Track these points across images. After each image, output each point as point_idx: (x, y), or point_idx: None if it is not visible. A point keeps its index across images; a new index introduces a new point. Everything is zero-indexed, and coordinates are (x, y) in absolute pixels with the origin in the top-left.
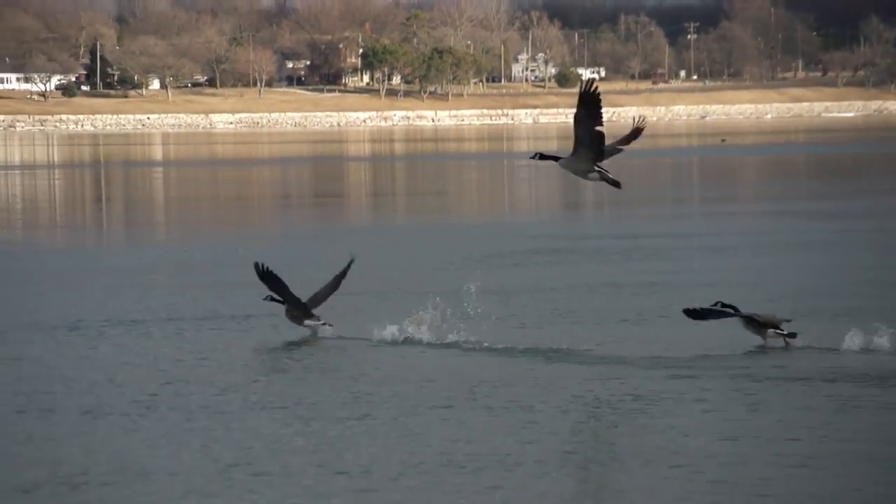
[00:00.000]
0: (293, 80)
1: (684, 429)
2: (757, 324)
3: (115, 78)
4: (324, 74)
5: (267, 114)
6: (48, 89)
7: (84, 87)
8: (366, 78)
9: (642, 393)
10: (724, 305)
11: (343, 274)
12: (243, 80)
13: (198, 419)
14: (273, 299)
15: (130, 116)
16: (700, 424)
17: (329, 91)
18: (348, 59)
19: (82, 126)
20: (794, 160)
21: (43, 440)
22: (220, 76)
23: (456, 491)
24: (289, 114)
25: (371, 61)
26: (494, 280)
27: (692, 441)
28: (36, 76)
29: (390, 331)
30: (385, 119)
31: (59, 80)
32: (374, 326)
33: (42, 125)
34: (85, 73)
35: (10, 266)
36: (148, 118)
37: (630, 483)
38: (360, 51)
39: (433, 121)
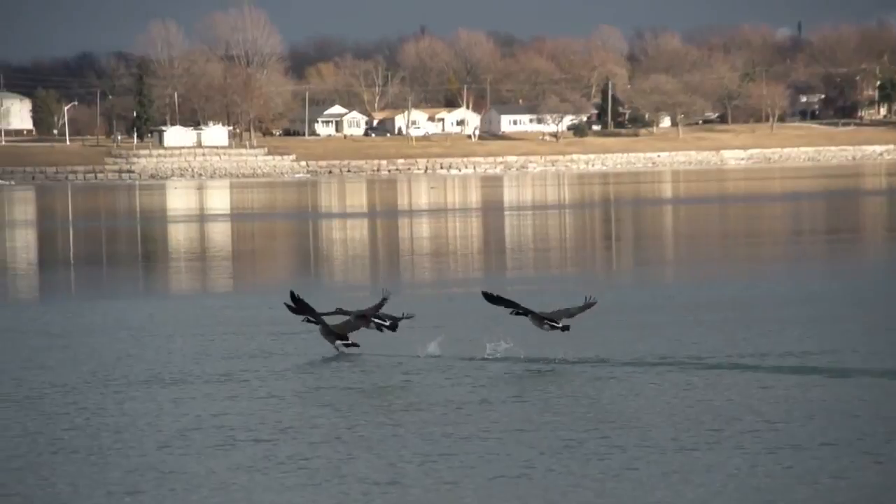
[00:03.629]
0: (806, 114)
1: None
2: (539, 319)
3: (626, 116)
4: (838, 108)
5: (779, 149)
6: (559, 129)
7: (595, 127)
8: (882, 110)
9: None
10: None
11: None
12: (755, 116)
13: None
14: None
15: (640, 154)
16: None
17: (844, 124)
18: (864, 92)
19: (592, 165)
20: None
21: (523, 478)
22: (731, 112)
23: None
24: (801, 148)
25: (889, 93)
26: None
27: None
28: (548, 117)
29: None
30: None
31: (571, 120)
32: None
33: (553, 165)
34: (596, 112)
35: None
36: (658, 156)
37: None
38: (878, 83)
39: None
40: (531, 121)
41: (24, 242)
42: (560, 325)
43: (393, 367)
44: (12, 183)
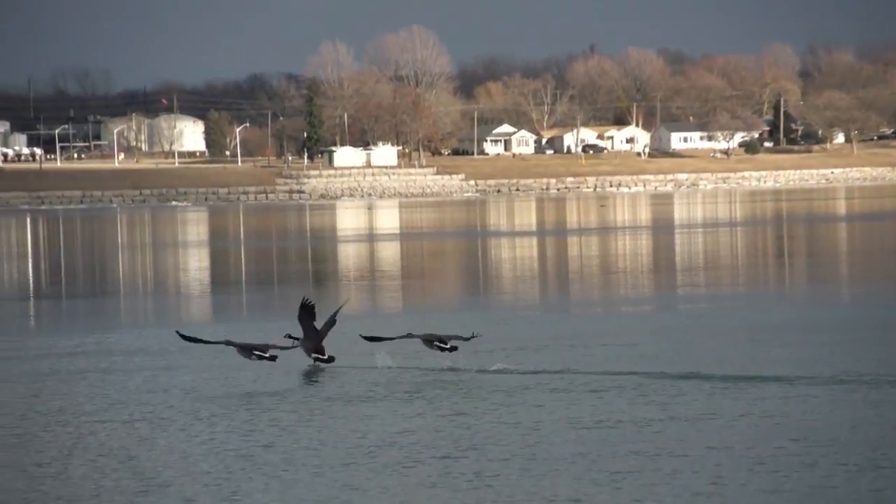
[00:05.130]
0: None
1: None
2: (428, 341)
3: (799, 133)
4: None
5: None
6: (731, 146)
7: (766, 144)
8: None
9: None
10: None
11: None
12: None
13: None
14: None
15: (813, 171)
16: None
17: None
18: None
19: (764, 182)
20: None
21: None
22: None
23: None
24: None
25: None
26: None
27: None
28: (719, 134)
29: None
30: None
31: (742, 136)
32: None
33: (724, 182)
34: (768, 129)
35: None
36: (832, 172)
37: None
38: None
39: None
40: (702, 138)
41: (198, 263)
42: (448, 346)
43: (583, 384)
44: (186, 204)
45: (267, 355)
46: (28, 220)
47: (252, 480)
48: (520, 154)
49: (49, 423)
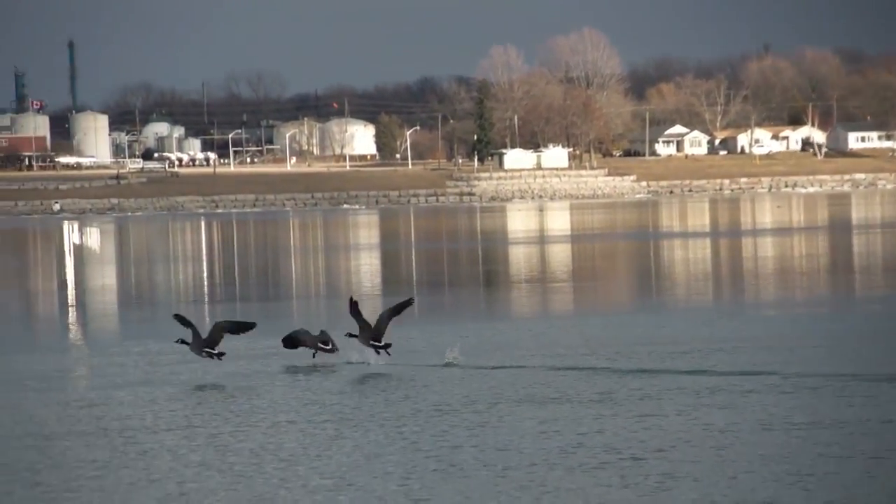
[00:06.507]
0: None
1: None
2: (365, 339)
3: None
4: None
5: None
6: None
7: None
8: None
9: None
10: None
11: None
12: None
13: None
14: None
15: None
16: None
17: None
18: None
19: None
20: None
21: None
22: None
23: None
24: None
25: None
26: None
27: None
28: None
29: None
30: None
31: None
32: None
33: None
34: None
35: None
36: None
37: None
38: None
39: None
40: (880, 137)
41: (370, 265)
42: (382, 345)
43: (775, 385)
44: (357, 207)
45: (215, 351)
46: (203, 223)
47: (440, 481)
48: (692, 155)
49: (241, 423)
